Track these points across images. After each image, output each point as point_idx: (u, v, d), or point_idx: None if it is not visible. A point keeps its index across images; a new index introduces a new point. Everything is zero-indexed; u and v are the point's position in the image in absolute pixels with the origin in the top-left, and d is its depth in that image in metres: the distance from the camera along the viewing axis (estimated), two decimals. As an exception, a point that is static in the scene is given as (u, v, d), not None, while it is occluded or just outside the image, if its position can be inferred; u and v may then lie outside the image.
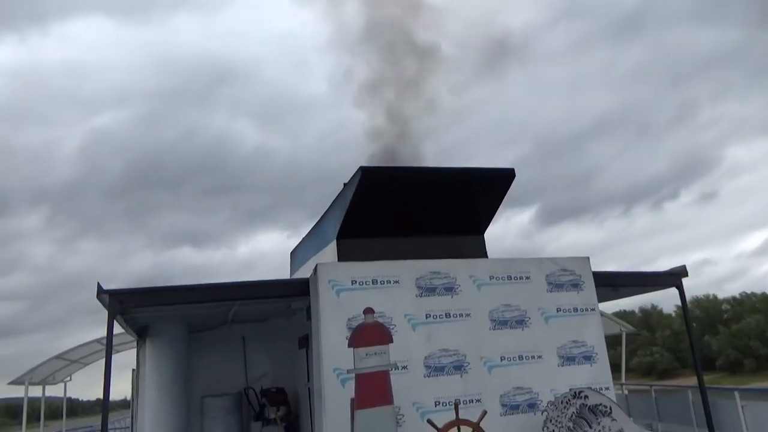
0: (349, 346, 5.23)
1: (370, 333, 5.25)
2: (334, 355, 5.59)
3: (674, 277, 7.94)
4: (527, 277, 6.66)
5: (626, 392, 10.63)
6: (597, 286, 6.96)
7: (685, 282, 7.71)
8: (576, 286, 6.81)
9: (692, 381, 8.75)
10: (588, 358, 6.52)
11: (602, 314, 9.12)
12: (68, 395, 14.37)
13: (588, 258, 7.06)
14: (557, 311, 6.61)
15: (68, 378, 13.18)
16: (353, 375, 5.16)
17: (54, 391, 13.17)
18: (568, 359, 6.44)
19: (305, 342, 8.40)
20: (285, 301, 7.69)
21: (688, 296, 8.60)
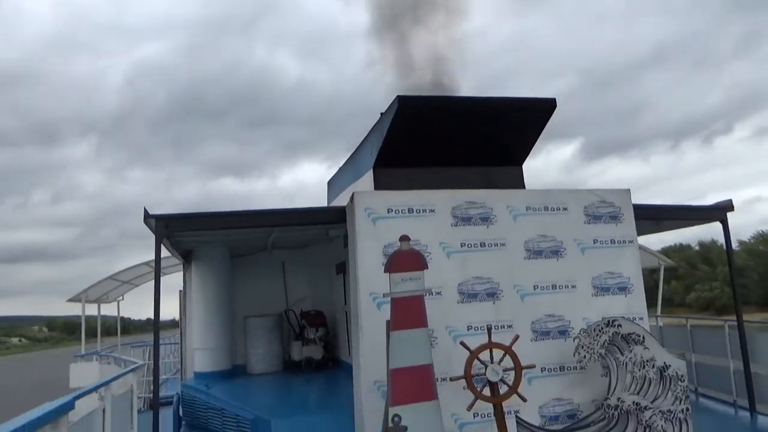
0: (385, 271, 5.37)
1: (405, 259, 5.37)
2: (370, 280, 5.76)
3: (719, 212, 7.74)
4: (565, 209, 6.60)
5: (661, 324, 10.67)
6: (637, 219, 6.86)
7: (737, 218, 7.53)
8: (615, 218, 6.73)
9: (752, 318, 8.70)
10: (623, 289, 6.52)
11: (641, 247, 9.03)
12: (121, 314, 15.31)
13: (629, 190, 6.93)
14: (594, 242, 6.57)
15: (121, 297, 14.00)
16: (389, 299, 5.33)
17: (108, 310, 14.04)
18: (602, 289, 6.46)
19: (342, 268, 8.65)
20: (322, 229, 7.87)
21: (742, 233, 8.39)
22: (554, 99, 7.51)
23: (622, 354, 5.61)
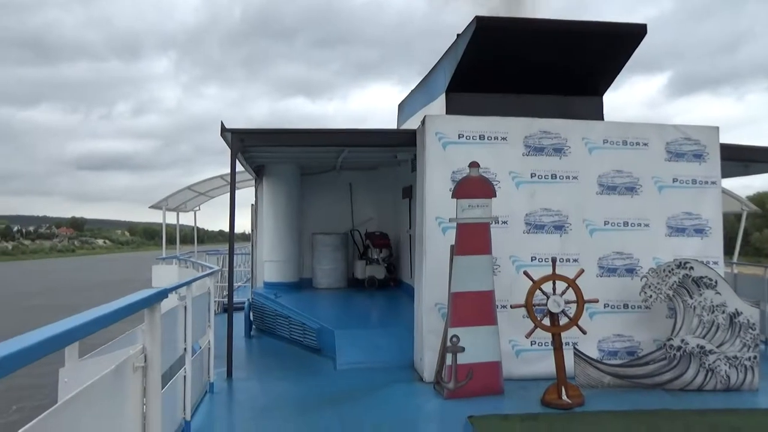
0: (453, 196, 5.39)
1: (474, 185, 5.35)
2: (437, 205, 5.79)
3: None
4: (645, 144, 6.29)
5: (737, 271, 10.24)
6: (723, 159, 6.45)
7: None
8: (699, 156, 6.36)
9: None
10: (700, 231, 6.26)
11: (724, 191, 8.55)
12: (197, 224, 16.19)
13: (717, 128, 6.49)
14: (673, 181, 6.27)
15: (197, 208, 14.76)
16: (454, 224, 5.37)
17: (185, 219, 14.85)
18: (677, 230, 6.23)
19: (409, 192, 8.72)
20: (391, 151, 7.89)
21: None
22: (645, 25, 6.98)
23: (691, 297, 5.47)
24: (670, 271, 5.52)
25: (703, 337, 5.40)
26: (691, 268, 5.53)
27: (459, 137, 5.99)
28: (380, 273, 9.81)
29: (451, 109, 7.17)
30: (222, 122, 6.32)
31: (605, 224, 6.12)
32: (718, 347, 5.39)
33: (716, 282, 5.50)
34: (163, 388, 3.52)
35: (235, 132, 6.27)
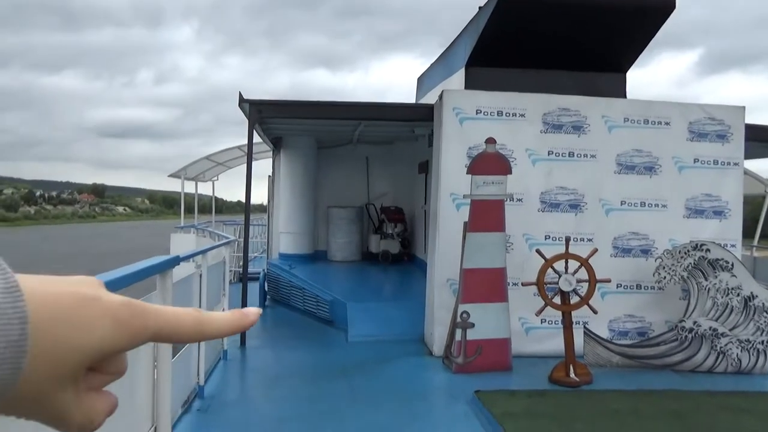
0: (468, 172, 5.37)
1: (489, 162, 5.32)
2: (452, 181, 5.77)
3: None
4: (667, 123, 6.16)
5: (756, 255, 10.09)
6: (748, 140, 6.31)
7: None
8: (722, 137, 6.22)
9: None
10: (719, 213, 6.16)
11: (746, 172, 8.38)
12: (215, 194, 16.36)
13: (743, 108, 6.33)
14: (694, 162, 6.16)
15: (215, 178, 14.91)
16: (469, 200, 5.36)
17: (203, 189, 15.01)
18: (696, 212, 6.14)
19: (425, 167, 8.69)
20: (409, 126, 7.85)
21: None
22: (673, 0, 6.78)
23: (705, 279, 5.43)
24: (685, 253, 5.47)
25: (716, 320, 5.37)
26: (708, 250, 5.46)
27: (476, 113, 5.93)
28: (394, 247, 9.86)
29: (470, 84, 7.08)
30: (240, 93, 6.34)
31: (622, 204, 6.06)
32: (731, 330, 5.35)
33: (732, 264, 5.44)
34: (176, 354, 3.62)
35: (253, 103, 6.28)
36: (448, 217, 5.81)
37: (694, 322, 5.37)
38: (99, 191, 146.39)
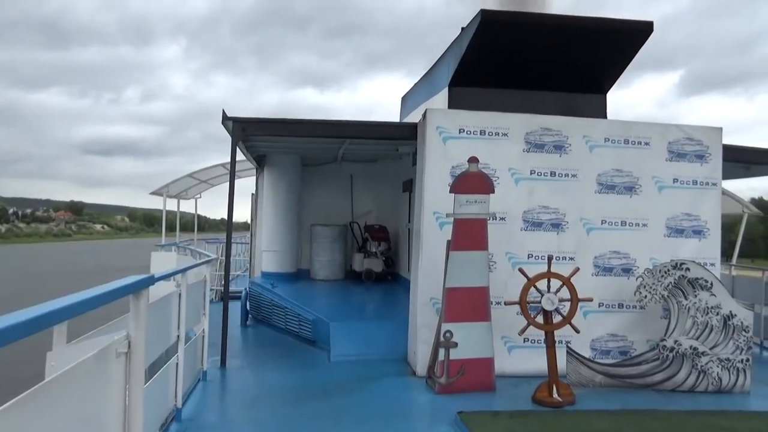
0: (451, 191, 5.38)
1: (472, 181, 5.34)
2: (435, 200, 5.78)
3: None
4: (647, 143, 6.26)
5: (734, 273, 10.22)
6: (725, 160, 6.42)
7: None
8: (701, 157, 6.33)
9: None
10: (698, 232, 6.24)
11: (725, 192, 8.51)
12: (198, 212, 16.21)
13: (720, 129, 6.45)
14: (673, 182, 6.25)
15: (198, 195, 14.78)
16: (452, 219, 5.37)
17: (186, 206, 14.86)
18: (676, 231, 6.21)
19: (409, 186, 8.71)
20: (393, 144, 7.88)
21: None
22: (651, 22, 6.93)
23: (685, 298, 5.47)
24: (666, 272, 5.51)
25: (697, 339, 5.40)
26: (687, 269, 5.51)
27: (459, 132, 5.97)
28: (378, 266, 9.82)
29: (453, 103, 7.15)
30: (224, 110, 6.32)
31: (602, 223, 6.11)
32: (711, 349, 5.39)
33: (712, 284, 5.49)
34: (154, 374, 3.53)
35: (237, 120, 6.26)
36: (432, 235, 5.81)
37: (675, 341, 5.39)
38: (77, 209, 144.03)
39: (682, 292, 5.49)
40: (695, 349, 5.37)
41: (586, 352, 5.72)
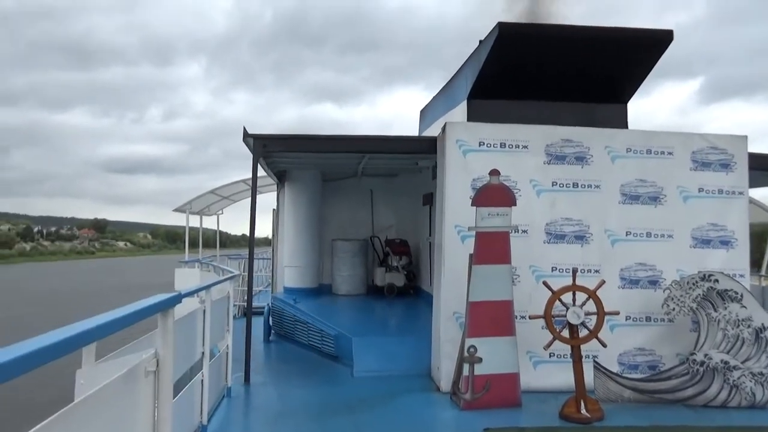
0: (473, 204, 5.35)
1: (494, 194, 5.31)
2: (457, 213, 5.76)
3: None
4: (670, 153, 6.17)
5: (765, 284, 9.98)
6: (752, 169, 6.31)
7: None
8: (726, 166, 6.22)
9: None
10: (726, 242, 6.11)
11: (751, 201, 8.35)
12: (219, 228, 16.38)
13: (746, 137, 6.34)
14: (699, 191, 6.15)
15: (220, 212, 14.95)
16: (473, 232, 5.34)
17: (208, 222, 15.04)
18: (702, 242, 6.09)
19: (429, 199, 8.70)
20: (412, 158, 7.89)
21: None
22: (671, 31, 6.87)
23: (715, 310, 5.34)
24: (693, 284, 5.40)
25: (728, 352, 5.27)
26: (716, 280, 5.40)
27: (479, 145, 5.96)
28: (400, 280, 9.79)
29: (472, 116, 7.15)
30: (244, 128, 6.39)
31: (627, 234, 6.02)
32: (743, 363, 5.24)
33: (742, 295, 5.36)
34: (179, 392, 3.55)
35: (257, 138, 6.33)
36: (454, 249, 5.78)
37: (705, 355, 5.27)
38: (100, 226, 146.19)
39: (712, 304, 5.37)
40: (726, 363, 5.23)
41: (614, 367, 5.61)
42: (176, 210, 13.28)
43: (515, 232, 5.45)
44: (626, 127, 7.29)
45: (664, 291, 5.58)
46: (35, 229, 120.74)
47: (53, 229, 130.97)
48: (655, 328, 5.88)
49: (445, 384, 5.58)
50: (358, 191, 10.34)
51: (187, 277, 10.34)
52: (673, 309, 5.43)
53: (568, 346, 5.04)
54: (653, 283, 5.95)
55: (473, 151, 5.94)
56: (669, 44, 6.92)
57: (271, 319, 8.64)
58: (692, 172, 6.17)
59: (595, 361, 5.23)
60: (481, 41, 7.33)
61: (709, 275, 5.42)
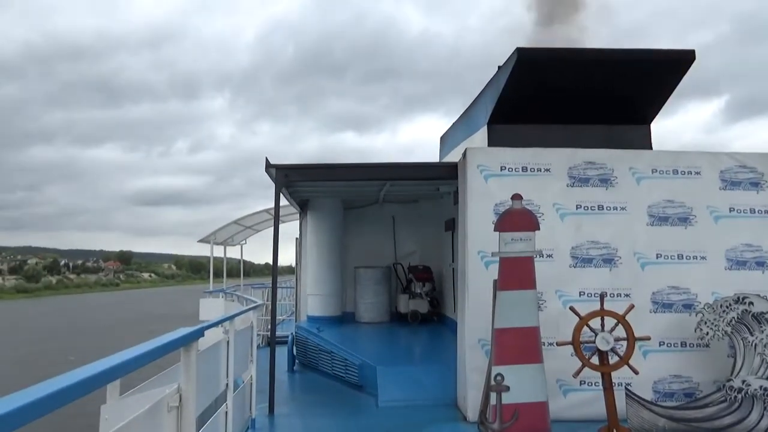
0: (495, 229, 5.28)
1: (516, 218, 5.24)
2: (479, 238, 5.70)
3: None
4: (697, 172, 6.05)
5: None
6: None
7: None
8: (756, 185, 6.07)
9: None
10: (762, 264, 5.92)
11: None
12: (243, 257, 16.49)
13: (775, 154, 6.19)
14: (730, 211, 5.99)
15: (244, 241, 15.07)
16: (497, 258, 5.26)
17: (231, 252, 15.16)
18: (737, 263, 5.91)
19: (451, 225, 8.64)
20: (433, 184, 7.87)
21: None
22: (692, 51, 6.80)
23: (751, 334, 5.15)
24: (727, 307, 5.22)
25: (767, 378, 5.05)
26: (751, 303, 5.21)
27: (501, 169, 5.91)
28: (423, 307, 9.69)
29: (493, 141, 7.12)
30: (267, 158, 6.46)
31: (658, 257, 5.87)
32: (785, 389, 5.02)
33: (780, 318, 5.16)
34: (204, 424, 3.52)
35: (279, 168, 6.39)
36: (477, 275, 5.70)
37: (743, 381, 5.06)
38: (125, 258, 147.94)
39: (747, 327, 5.18)
40: (766, 389, 5.01)
41: (648, 395, 5.42)
42: (201, 241, 13.43)
43: (540, 256, 5.36)
44: (650, 147, 7.18)
45: (696, 314, 5.41)
46: (62, 263, 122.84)
47: (80, 262, 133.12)
48: (690, 353, 5.68)
49: (472, 413, 5.44)
50: (380, 218, 10.33)
51: (211, 307, 10.39)
52: (707, 333, 5.25)
53: (599, 373, 4.89)
54: (688, 306, 5.77)
55: (495, 176, 5.89)
56: (691, 64, 6.85)
57: (295, 348, 8.59)
58: (722, 191, 6.02)
59: (627, 389, 5.06)
60: (500, 66, 7.35)
61: (744, 297, 5.24)
